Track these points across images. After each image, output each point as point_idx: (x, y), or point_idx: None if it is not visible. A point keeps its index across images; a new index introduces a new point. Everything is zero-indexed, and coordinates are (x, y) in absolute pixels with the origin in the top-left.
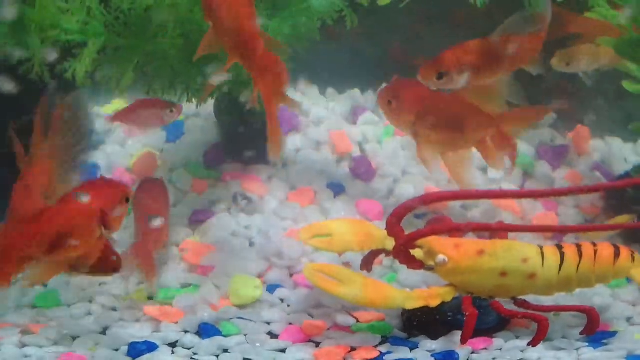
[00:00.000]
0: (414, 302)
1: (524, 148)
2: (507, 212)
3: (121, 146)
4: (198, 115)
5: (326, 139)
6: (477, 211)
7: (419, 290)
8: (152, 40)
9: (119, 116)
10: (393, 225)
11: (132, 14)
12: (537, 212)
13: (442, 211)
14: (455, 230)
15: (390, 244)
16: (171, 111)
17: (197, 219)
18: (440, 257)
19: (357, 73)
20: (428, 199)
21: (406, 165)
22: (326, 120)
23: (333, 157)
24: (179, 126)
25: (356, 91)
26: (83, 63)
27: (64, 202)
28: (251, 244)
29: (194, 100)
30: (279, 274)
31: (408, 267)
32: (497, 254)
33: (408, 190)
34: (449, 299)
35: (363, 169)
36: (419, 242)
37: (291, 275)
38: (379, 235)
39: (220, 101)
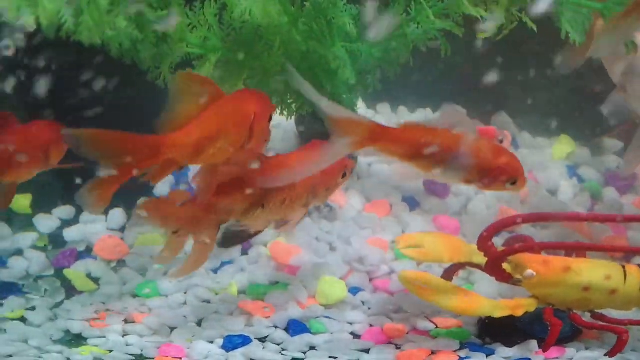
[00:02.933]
0: (501, 311)
1: (592, 174)
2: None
3: None
4: (279, 127)
5: None
6: (548, 232)
7: (505, 301)
8: (259, 56)
9: None
10: (485, 241)
11: (243, 32)
12: (606, 235)
13: (516, 230)
14: (543, 249)
15: (477, 258)
16: None
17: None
18: (529, 271)
19: (429, 92)
20: (518, 220)
21: None
22: None
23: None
24: None
25: (428, 110)
26: (202, 72)
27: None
28: (332, 249)
29: (285, 112)
30: (359, 278)
31: (497, 280)
32: (581, 270)
33: (481, 208)
34: (532, 309)
35: (439, 185)
36: (509, 257)
37: (370, 280)
38: (467, 249)
39: (301, 114)
